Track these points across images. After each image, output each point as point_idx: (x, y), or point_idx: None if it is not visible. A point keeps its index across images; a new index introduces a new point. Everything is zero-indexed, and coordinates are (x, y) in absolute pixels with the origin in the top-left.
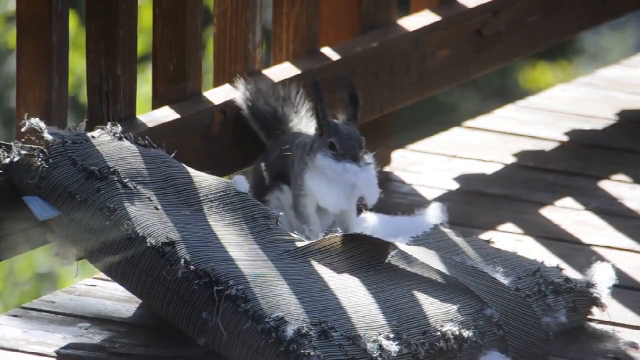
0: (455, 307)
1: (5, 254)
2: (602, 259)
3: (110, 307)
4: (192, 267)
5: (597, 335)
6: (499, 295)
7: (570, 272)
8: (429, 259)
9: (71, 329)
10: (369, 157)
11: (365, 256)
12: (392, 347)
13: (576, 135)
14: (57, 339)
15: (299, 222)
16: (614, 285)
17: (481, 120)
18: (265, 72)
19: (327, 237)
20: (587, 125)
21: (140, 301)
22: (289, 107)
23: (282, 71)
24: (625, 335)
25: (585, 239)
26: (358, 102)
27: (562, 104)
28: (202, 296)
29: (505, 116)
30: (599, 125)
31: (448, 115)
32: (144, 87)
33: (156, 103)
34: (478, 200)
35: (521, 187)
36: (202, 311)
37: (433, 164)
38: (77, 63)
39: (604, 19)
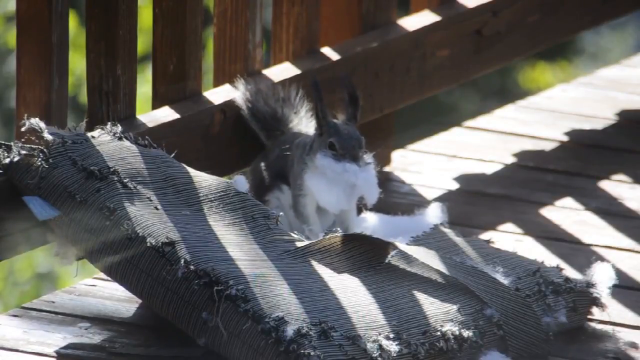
0: (455, 307)
1: (5, 254)
2: (602, 259)
3: (110, 307)
4: (192, 267)
5: (597, 335)
6: (499, 295)
7: (570, 272)
8: (429, 259)
9: (71, 329)
10: (369, 157)
11: (365, 256)
12: (392, 347)
13: (576, 135)
14: (57, 339)
15: (299, 222)
16: (614, 285)
17: (481, 120)
18: (265, 72)
19: (327, 237)
20: (587, 125)
21: (140, 301)
22: (288, 107)
23: (282, 71)
24: (625, 335)
25: (585, 239)
26: (358, 102)
27: (562, 104)
28: (202, 296)
29: (505, 116)
30: (599, 125)
31: (448, 115)
32: (144, 87)
33: (156, 103)
34: (478, 200)
35: (521, 187)
36: (202, 311)
37: (433, 164)
38: (77, 63)
39: (604, 19)
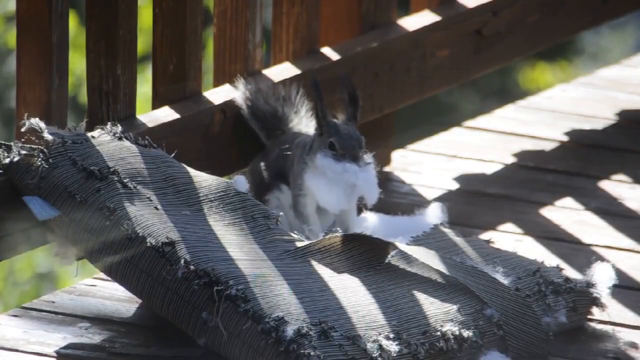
0: (455, 307)
1: (5, 254)
2: (602, 259)
3: (110, 307)
4: (192, 267)
5: (597, 335)
6: (499, 295)
7: (570, 272)
8: (429, 259)
9: (71, 329)
10: (368, 157)
11: (365, 256)
12: (392, 347)
13: (576, 135)
14: (57, 339)
15: (299, 222)
16: (614, 285)
17: (481, 120)
18: (265, 72)
19: (327, 237)
20: (587, 125)
21: (140, 301)
22: (289, 107)
23: (282, 71)
24: (625, 335)
25: (585, 239)
26: (358, 102)
27: (562, 104)
28: (202, 296)
29: (505, 116)
30: (599, 125)
31: (448, 115)
32: (144, 87)
33: (156, 103)
34: (478, 200)
35: (521, 187)
36: (202, 311)
37: (433, 164)
38: (77, 63)
39: (604, 19)
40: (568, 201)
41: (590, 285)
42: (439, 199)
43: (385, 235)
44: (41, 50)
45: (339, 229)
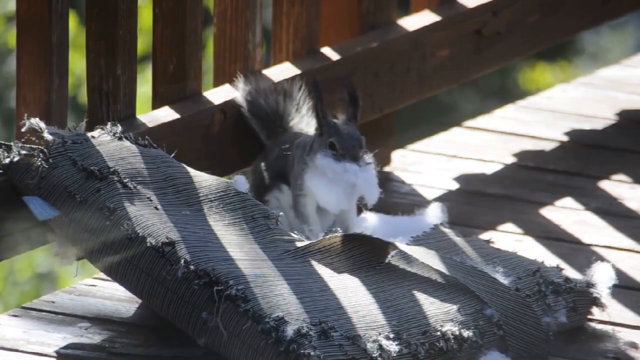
0: (455, 307)
1: (5, 254)
2: (602, 259)
3: (110, 307)
4: (192, 267)
5: (597, 335)
6: (499, 295)
7: (570, 272)
8: (429, 259)
9: (71, 329)
10: (369, 157)
11: (365, 256)
12: (392, 347)
13: (576, 135)
14: (57, 339)
15: (299, 222)
16: (614, 285)
17: (481, 120)
18: (265, 72)
19: (327, 237)
20: (587, 125)
21: (140, 301)
22: (290, 102)
23: (282, 71)
24: (625, 335)
25: (585, 239)
26: (358, 102)
27: (562, 104)
28: (202, 296)
29: (505, 116)
30: (599, 125)
31: (448, 115)
32: (144, 87)
33: (156, 103)
34: (478, 200)
35: (521, 187)
36: (202, 311)
37: (433, 164)
38: (77, 63)
39: (604, 19)
40: (568, 201)
41: (590, 285)
42: (439, 199)
43: (385, 235)
44: (41, 50)
45: (339, 229)
